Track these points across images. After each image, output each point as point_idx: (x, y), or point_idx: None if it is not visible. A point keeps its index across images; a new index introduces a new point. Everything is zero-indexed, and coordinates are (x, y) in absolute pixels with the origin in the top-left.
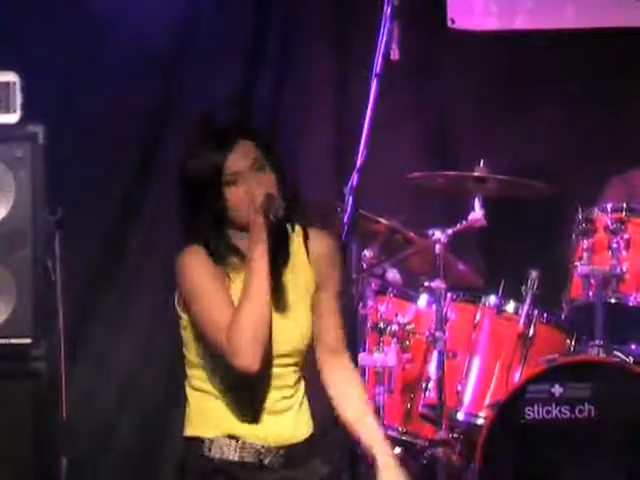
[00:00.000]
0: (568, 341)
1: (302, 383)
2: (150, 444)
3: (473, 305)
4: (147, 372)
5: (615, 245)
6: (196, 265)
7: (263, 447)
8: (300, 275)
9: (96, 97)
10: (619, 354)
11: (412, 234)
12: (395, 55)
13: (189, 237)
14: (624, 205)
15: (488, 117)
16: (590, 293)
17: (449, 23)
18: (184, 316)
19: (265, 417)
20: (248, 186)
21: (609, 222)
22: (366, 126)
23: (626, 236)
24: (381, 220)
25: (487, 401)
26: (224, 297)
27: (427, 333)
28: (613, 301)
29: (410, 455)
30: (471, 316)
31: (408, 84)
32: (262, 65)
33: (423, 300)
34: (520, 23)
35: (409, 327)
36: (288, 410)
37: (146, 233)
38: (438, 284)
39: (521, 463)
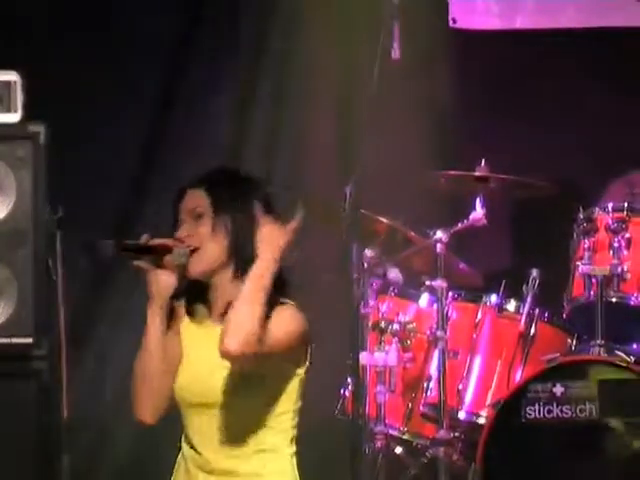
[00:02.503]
0: (569, 340)
1: (274, 451)
2: (152, 444)
3: (474, 304)
4: None
5: (616, 244)
6: None
7: None
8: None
9: (97, 97)
10: (620, 353)
11: (413, 233)
12: (396, 54)
13: None
14: (625, 204)
15: (489, 117)
16: (591, 292)
17: (450, 23)
18: None
19: (205, 477)
20: (179, 232)
21: (610, 221)
22: (367, 126)
23: (627, 235)
24: (382, 219)
25: (488, 400)
26: None
27: (428, 332)
28: (614, 300)
29: (411, 454)
30: (472, 315)
31: (409, 83)
32: (262, 65)
33: (424, 299)
34: (521, 23)
35: (410, 326)
36: (237, 476)
37: (148, 232)
38: (439, 283)
39: (522, 462)
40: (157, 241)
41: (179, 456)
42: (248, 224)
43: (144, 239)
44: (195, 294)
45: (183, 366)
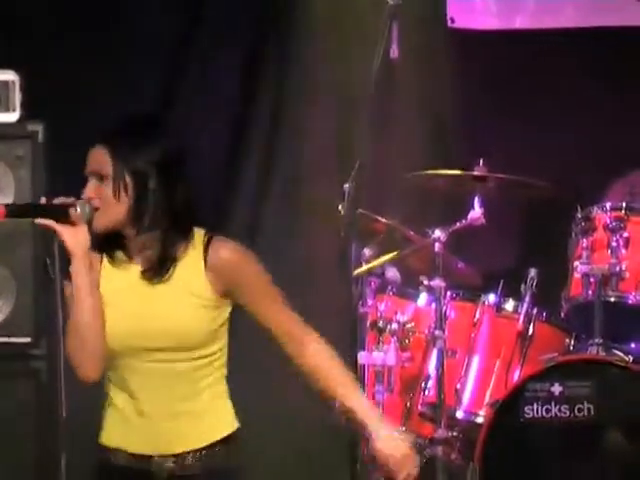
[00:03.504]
0: (567, 340)
1: (213, 387)
2: None
3: (472, 304)
4: None
5: (614, 244)
6: None
7: (153, 456)
8: (186, 278)
9: (96, 96)
10: (618, 353)
11: (412, 233)
12: (395, 54)
13: None
14: (623, 204)
15: (488, 116)
16: (589, 292)
17: (449, 22)
18: None
19: (155, 422)
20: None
21: (608, 220)
22: (366, 125)
23: (625, 234)
24: (381, 219)
25: (486, 400)
26: None
27: (426, 332)
28: (612, 299)
29: None
30: (470, 315)
31: (408, 83)
32: (262, 65)
33: (422, 299)
34: (520, 23)
35: (408, 326)
36: (185, 414)
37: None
38: (437, 283)
39: (520, 462)
40: (57, 200)
41: (107, 409)
42: (150, 188)
43: (42, 200)
44: (110, 242)
45: (115, 313)
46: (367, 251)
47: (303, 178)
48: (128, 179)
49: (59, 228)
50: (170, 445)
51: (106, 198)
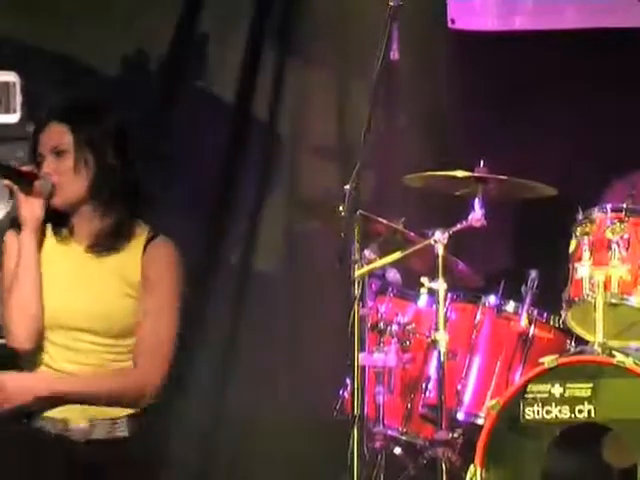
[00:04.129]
0: (568, 341)
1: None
2: (154, 440)
3: (473, 305)
4: None
5: (615, 245)
6: None
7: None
8: (122, 265)
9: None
10: (619, 354)
11: (412, 234)
12: (395, 55)
13: None
14: (624, 205)
15: (488, 117)
16: (590, 293)
17: (449, 23)
18: None
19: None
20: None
21: (609, 222)
22: (366, 126)
23: (626, 236)
24: (381, 220)
25: (487, 401)
26: None
27: (427, 333)
28: (613, 301)
29: (410, 455)
30: (471, 316)
31: (408, 84)
32: (262, 65)
33: (423, 300)
34: (520, 24)
35: (409, 327)
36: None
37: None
38: (438, 284)
39: (521, 463)
40: (25, 168)
41: None
42: (109, 162)
43: (13, 164)
44: (59, 218)
45: (51, 287)
46: (367, 252)
47: (303, 179)
48: (88, 154)
49: (20, 196)
50: (85, 412)
51: (67, 173)
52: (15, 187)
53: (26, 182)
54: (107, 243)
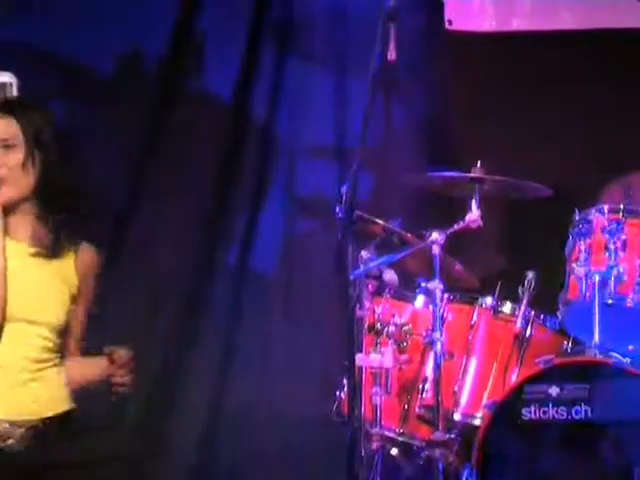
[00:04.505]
0: (565, 342)
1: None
2: (156, 440)
3: (470, 306)
4: (146, 367)
5: (612, 246)
6: None
7: (8, 422)
8: (62, 266)
9: (96, 98)
10: (616, 355)
11: (409, 235)
12: (392, 56)
13: None
14: (621, 206)
15: (486, 118)
16: (587, 294)
17: (446, 24)
18: None
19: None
20: None
21: (606, 223)
22: (363, 127)
23: (623, 237)
24: (378, 221)
25: (484, 402)
26: None
27: (424, 334)
28: (610, 302)
29: (407, 456)
30: (468, 317)
31: (405, 85)
32: (260, 65)
33: (420, 301)
34: (518, 25)
35: (406, 328)
36: (35, 381)
37: (144, 234)
38: (435, 285)
39: (518, 464)
40: None
41: None
42: (53, 159)
43: None
44: None
45: None
46: (364, 253)
47: (300, 179)
48: (36, 150)
49: None
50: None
51: (15, 168)
52: None
53: None
54: (51, 251)
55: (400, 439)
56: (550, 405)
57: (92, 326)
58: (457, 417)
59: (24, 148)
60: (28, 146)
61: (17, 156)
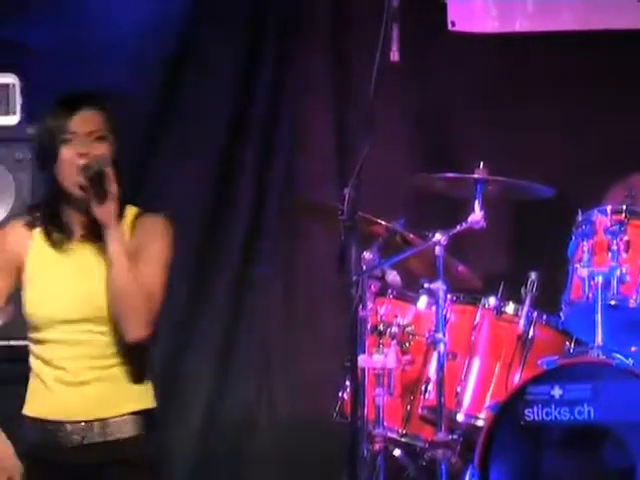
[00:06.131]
0: (568, 343)
1: (125, 357)
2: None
3: (473, 307)
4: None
5: (615, 247)
6: None
7: (63, 422)
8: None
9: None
10: (619, 356)
11: (412, 236)
12: (395, 57)
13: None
14: (624, 207)
15: (488, 120)
16: (590, 295)
17: (449, 26)
18: None
19: (65, 389)
20: (79, 149)
21: (609, 224)
22: (366, 128)
23: (626, 238)
24: (381, 222)
25: (487, 403)
26: None
27: (427, 335)
28: (613, 303)
29: (410, 457)
30: (471, 318)
31: (408, 86)
32: (262, 66)
33: (423, 302)
34: (520, 26)
35: (409, 329)
36: (96, 381)
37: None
38: (438, 286)
39: (521, 464)
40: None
41: (32, 380)
42: (120, 152)
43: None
44: (49, 219)
45: (46, 286)
46: (367, 254)
47: (303, 181)
48: (116, 144)
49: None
50: (80, 411)
51: (108, 161)
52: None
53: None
54: (99, 233)
55: (403, 440)
56: (553, 406)
57: None
58: (460, 418)
59: (109, 143)
60: (113, 138)
61: (105, 149)
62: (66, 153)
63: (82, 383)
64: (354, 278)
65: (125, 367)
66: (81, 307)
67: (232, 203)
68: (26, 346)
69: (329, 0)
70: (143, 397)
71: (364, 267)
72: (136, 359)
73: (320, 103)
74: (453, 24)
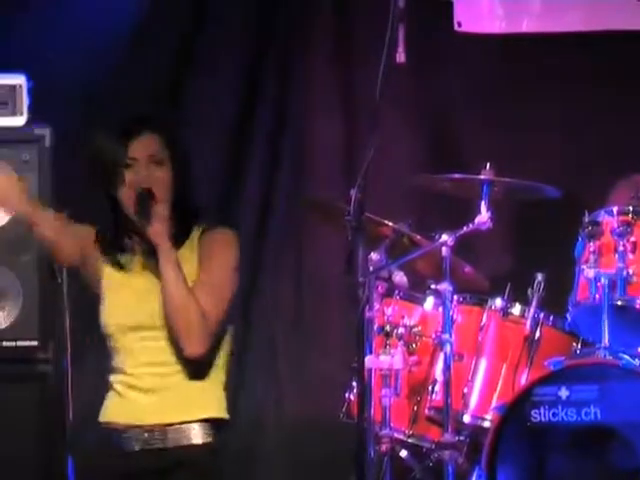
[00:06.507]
0: (574, 344)
1: (191, 366)
2: None
3: (479, 308)
4: None
5: (621, 248)
6: None
7: (126, 426)
8: (183, 264)
9: (102, 100)
10: (625, 356)
11: (419, 237)
12: (401, 58)
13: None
14: (630, 208)
15: (495, 120)
16: (596, 296)
17: (456, 26)
18: None
19: (132, 395)
20: (138, 173)
21: (615, 225)
22: (372, 129)
23: (632, 239)
24: (388, 223)
25: (493, 404)
26: None
27: (433, 336)
28: (619, 304)
29: (416, 458)
30: (477, 319)
31: (414, 87)
32: (267, 66)
33: (429, 303)
34: (527, 26)
35: (415, 330)
36: (160, 390)
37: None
38: (444, 287)
39: (528, 465)
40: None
41: (108, 393)
42: (185, 172)
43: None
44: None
45: (117, 297)
46: (374, 255)
47: (309, 182)
48: (177, 166)
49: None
50: (143, 417)
51: (163, 185)
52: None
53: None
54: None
55: (409, 441)
56: (560, 407)
57: None
58: (466, 419)
59: (170, 164)
60: (173, 162)
61: (164, 173)
62: (126, 178)
63: (147, 390)
64: (361, 279)
65: (187, 376)
66: (145, 315)
67: (240, 204)
68: (32, 347)
69: (334, 1)
70: (209, 406)
71: (371, 268)
72: (197, 369)
73: (327, 103)
74: (459, 25)
